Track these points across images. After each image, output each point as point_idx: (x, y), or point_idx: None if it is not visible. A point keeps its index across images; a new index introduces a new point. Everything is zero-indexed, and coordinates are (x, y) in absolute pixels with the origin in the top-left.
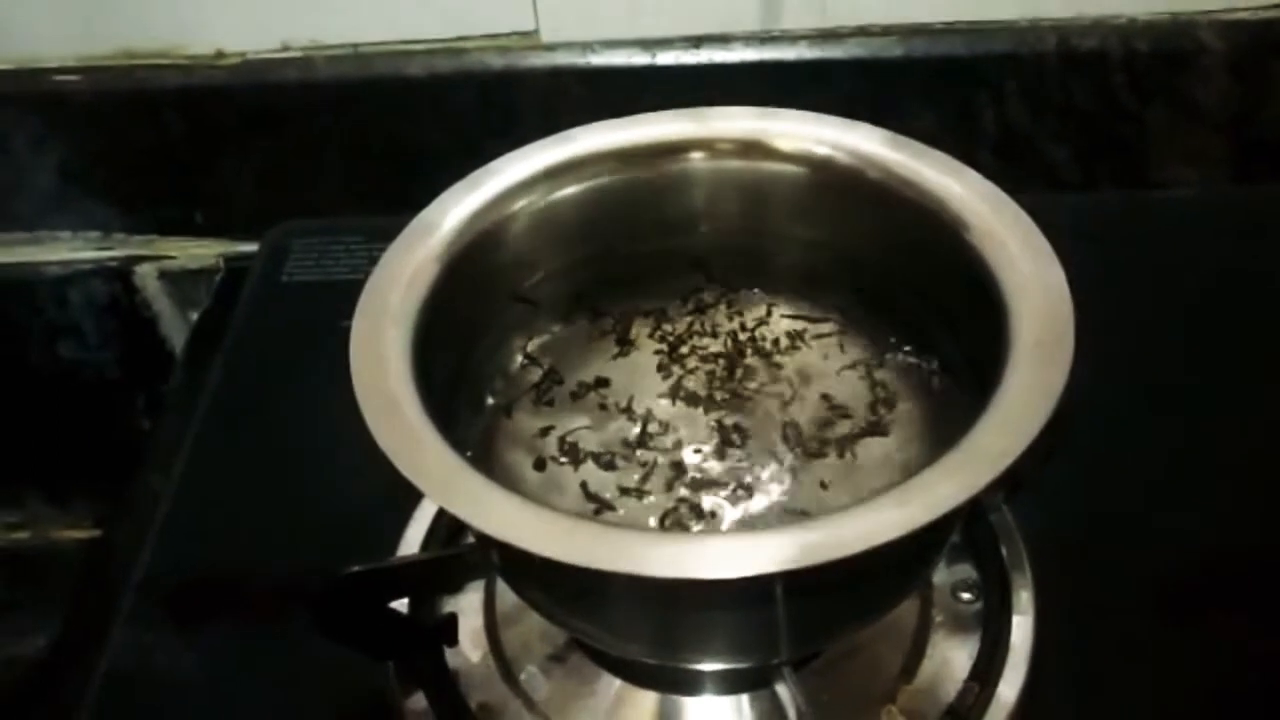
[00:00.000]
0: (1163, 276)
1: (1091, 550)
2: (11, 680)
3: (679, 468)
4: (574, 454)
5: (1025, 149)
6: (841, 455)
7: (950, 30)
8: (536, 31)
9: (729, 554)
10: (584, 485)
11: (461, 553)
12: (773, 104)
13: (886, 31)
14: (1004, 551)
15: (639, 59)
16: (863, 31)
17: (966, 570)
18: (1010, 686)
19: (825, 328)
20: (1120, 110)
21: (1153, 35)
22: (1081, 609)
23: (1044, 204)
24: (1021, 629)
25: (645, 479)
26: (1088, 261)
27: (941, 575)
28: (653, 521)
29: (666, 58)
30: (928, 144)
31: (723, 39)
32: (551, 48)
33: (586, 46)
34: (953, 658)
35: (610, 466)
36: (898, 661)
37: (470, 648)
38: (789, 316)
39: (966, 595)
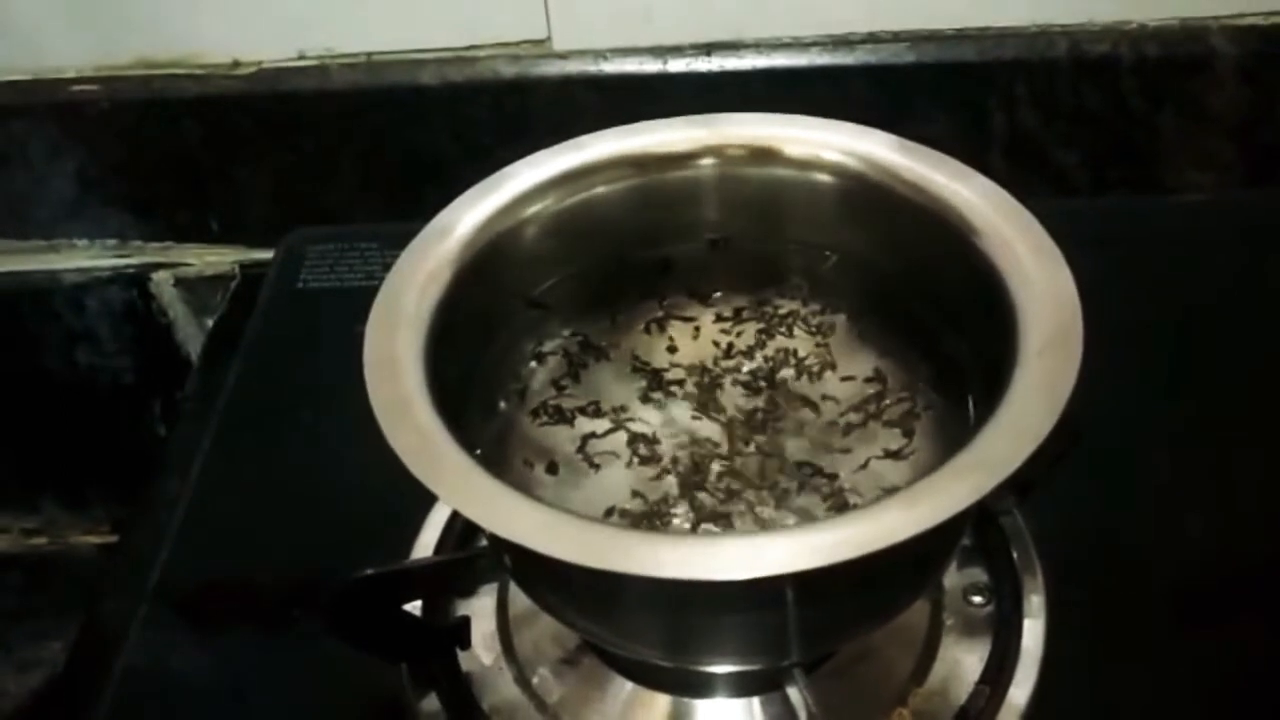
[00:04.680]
0: (1173, 281)
1: (1103, 553)
2: (29, 684)
3: (688, 479)
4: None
5: (1036, 154)
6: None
7: (961, 36)
8: (549, 39)
9: (740, 555)
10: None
11: (474, 555)
12: (784, 111)
13: (897, 37)
14: (1015, 555)
15: (650, 66)
16: (873, 38)
17: (977, 573)
18: (1021, 690)
19: (834, 326)
20: (1131, 115)
21: (1163, 40)
22: (1093, 612)
23: (1055, 209)
24: (1033, 632)
25: (653, 481)
26: (1097, 266)
27: (952, 578)
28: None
29: (678, 65)
30: (938, 149)
31: (733, 46)
32: (564, 55)
33: (598, 54)
34: (964, 661)
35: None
36: (909, 664)
37: (483, 650)
38: (802, 327)
39: (978, 598)
